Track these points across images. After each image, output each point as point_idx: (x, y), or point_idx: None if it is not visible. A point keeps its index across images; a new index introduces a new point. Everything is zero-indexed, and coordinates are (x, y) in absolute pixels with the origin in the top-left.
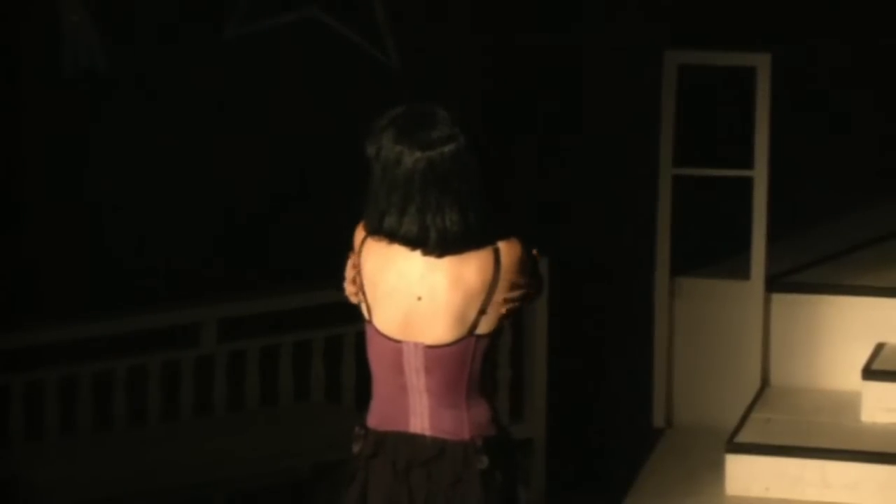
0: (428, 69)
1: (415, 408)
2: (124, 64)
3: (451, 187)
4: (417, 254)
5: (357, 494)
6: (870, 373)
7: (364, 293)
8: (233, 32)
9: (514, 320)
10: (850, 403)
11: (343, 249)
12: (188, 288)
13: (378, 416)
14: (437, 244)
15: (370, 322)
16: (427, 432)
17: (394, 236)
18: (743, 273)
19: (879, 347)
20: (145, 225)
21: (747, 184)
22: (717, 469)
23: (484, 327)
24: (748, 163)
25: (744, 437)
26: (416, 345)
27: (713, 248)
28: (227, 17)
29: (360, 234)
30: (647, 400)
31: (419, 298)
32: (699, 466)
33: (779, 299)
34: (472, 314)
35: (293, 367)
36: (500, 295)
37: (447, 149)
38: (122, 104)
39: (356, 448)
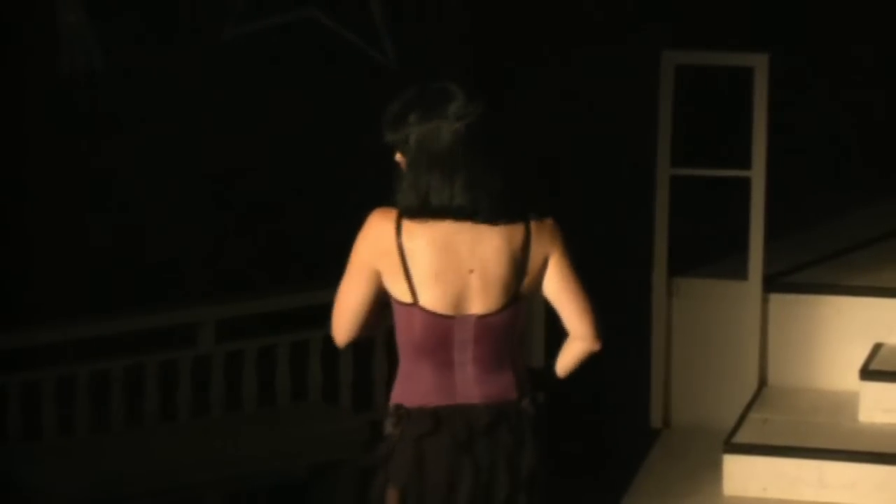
0: (425, 69)
1: (461, 380)
2: (122, 64)
3: (490, 152)
4: (463, 228)
5: (407, 474)
6: (867, 373)
7: (408, 277)
8: (230, 33)
9: None
10: (847, 403)
11: (344, 248)
12: (187, 288)
13: (418, 395)
14: (491, 211)
15: (414, 304)
16: (477, 401)
17: (445, 212)
18: (741, 273)
19: (877, 348)
20: (144, 225)
21: (745, 184)
22: (715, 469)
23: (526, 290)
24: (746, 163)
25: (741, 437)
26: (467, 317)
27: (711, 248)
28: (225, 18)
29: (384, 223)
30: (644, 400)
31: (471, 272)
32: (697, 467)
33: (776, 299)
34: (517, 279)
35: (290, 367)
36: (537, 253)
37: (478, 115)
38: (119, 104)
39: (395, 429)
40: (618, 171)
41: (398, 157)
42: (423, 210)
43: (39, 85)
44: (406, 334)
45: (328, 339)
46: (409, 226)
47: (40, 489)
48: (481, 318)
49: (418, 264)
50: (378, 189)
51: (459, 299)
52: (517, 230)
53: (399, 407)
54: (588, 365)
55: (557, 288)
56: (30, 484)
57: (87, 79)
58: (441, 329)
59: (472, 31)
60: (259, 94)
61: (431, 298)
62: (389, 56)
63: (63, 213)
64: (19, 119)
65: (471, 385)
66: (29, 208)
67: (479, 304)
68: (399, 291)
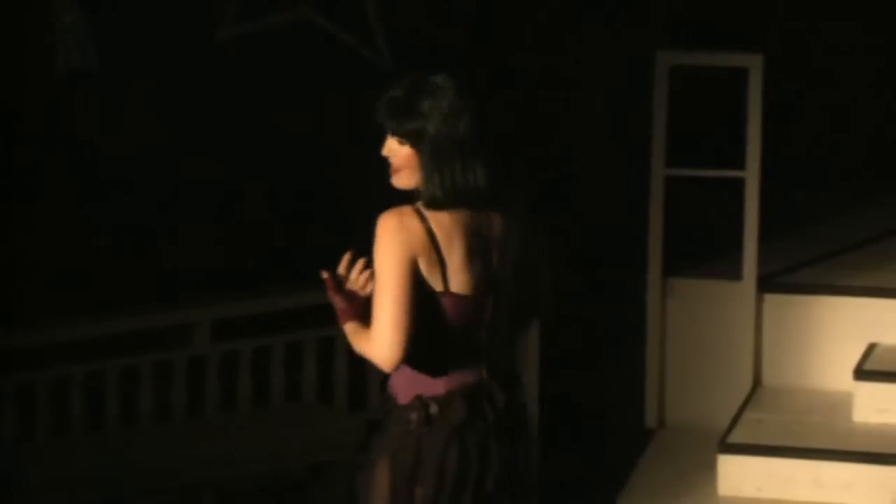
0: (420, 69)
1: (477, 361)
2: (117, 64)
3: (489, 136)
4: (477, 211)
5: (456, 462)
6: (862, 373)
7: (443, 266)
8: (225, 33)
9: None
10: (842, 404)
11: (339, 248)
12: (186, 288)
13: (442, 384)
14: (499, 193)
15: (445, 292)
16: (485, 376)
17: (469, 198)
18: (735, 273)
19: (871, 348)
20: (140, 225)
21: (739, 184)
22: (710, 469)
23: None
24: (740, 163)
25: (736, 437)
26: (490, 297)
27: (705, 248)
28: (219, 18)
29: (407, 219)
30: (639, 400)
31: (491, 252)
32: (691, 467)
33: (771, 300)
34: (513, 259)
35: (285, 367)
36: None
37: (476, 102)
38: (114, 104)
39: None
40: (613, 171)
41: (401, 149)
42: (447, 198)
43: (36, 84)
44: (436, 323)
45: (323, 340)
46: (432, 216)
47: (36, 490)
48: (500, 296)
49: (451, 252)
50: (376, 189)
51: (483, 282)
52: (500, 214)
53: (425, 399)
54: (584, 365)
55: None
56: (25, 485)
57: (83, 78)
58: (471, 312)
59: (468, 29)
60: (252, 95)
61: (463, 282)
62: (384, 56)
63: (59, 213)
64: (17, 118)
65: (483, 363)
66: (25, 209)
67: (500, 283)
68: (433, 282)
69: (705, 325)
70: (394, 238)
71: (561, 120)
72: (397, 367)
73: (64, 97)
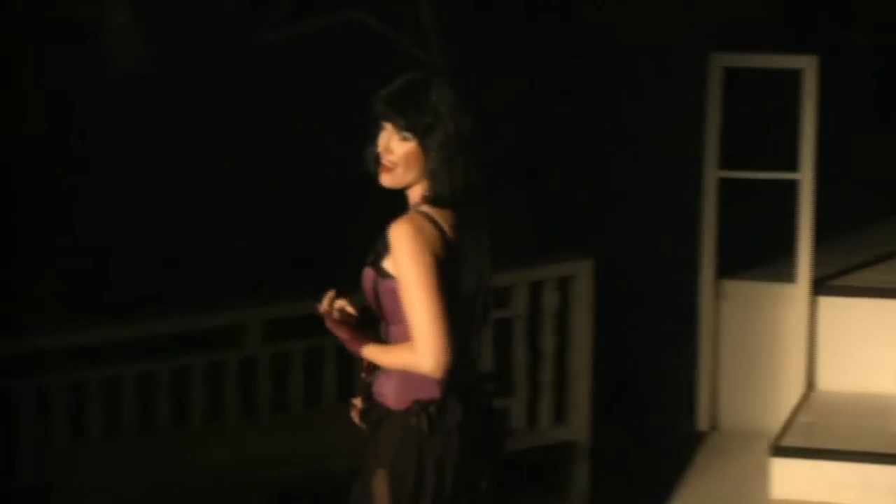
0: (472, 71)
1: (466, 361)
2: (168, 65)
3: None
4: (472, 211)
5: (455, 465)
6: None
7: (457, 266)
8: (278, 34)
9: (557, 323)
10: (894, 407)
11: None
12: (230, 290)
13: (438, 387)
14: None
15: (456, 293)
16: (471, 377)
17: (469, 194)
18: (789, 276)
19: None
20: (183, 226)
21: (793, 187)
22: (762, 472)
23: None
24: (793, 165)
25: (788, 440)
26: (479, 297)
27: (759, 250)
28: (272, 20)
29: (424, 223)
30: (691, 403)
31: (481, 253)
32: (743, 470)
33: (825, 302)
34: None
35: (336, 368)
36: None
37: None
38: (166, 105)
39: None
40: (665, 175)
41: (401, 145)
42: (453, 195)
43: (89, 86)
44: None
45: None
46: (438, 216)
47: (85, 492)
48: (485, 291)
49: (458, 253)
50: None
51: (475, 283)
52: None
53: (428, 402)
54: (636, 368)
55: None
56: (75, 487)
57: (134, 80)
58: (470, 309)
59: (518, 31)
60: (303, 96)
61: (466, 281)
62: (436, 56)
63: (110, 210)
64: (69, 119)
65: (473, 365)
66: (82, 205)
67: (486, 278)
68: (447, 285)
69: (758, 327)
70: (416, 242)
71: (612, 121)
72: (448, 371)
73: (115, 98)
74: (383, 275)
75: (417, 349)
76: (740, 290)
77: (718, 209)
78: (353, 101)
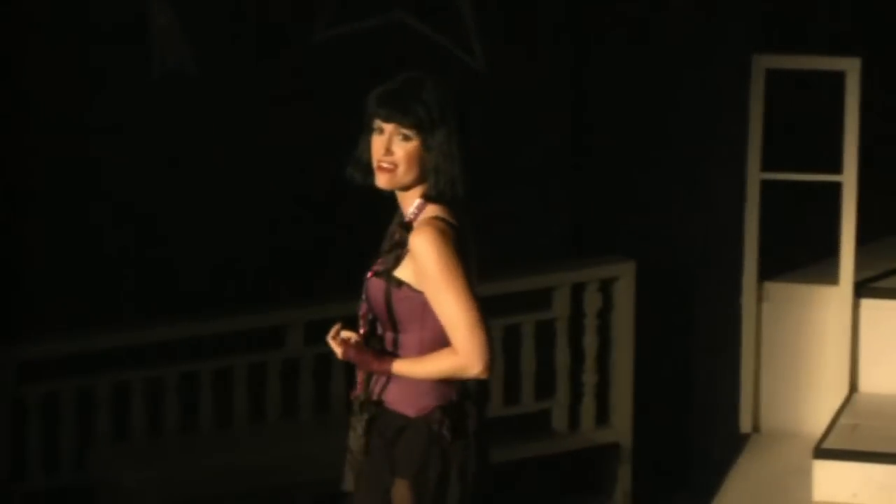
0: (514, 72)
1: None
2: (212, 66)
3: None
4: (467, 209)
5: (475, 469)
6: None
7: (469, 268)
8: (320, 36)
9: (600, 325)
10: None
11: None
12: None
13: (454, 391)
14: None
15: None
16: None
17: (467, 190)
18: (831, 278)
19: None
20: (231, 226)
21: (835, 188)
22: (805, 475)
23: None
24: (836, 167)
25: (831, 442)
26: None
27: (801, 252)
28: (314, 21)
29: (447, 227)
30: (734, 405)
31: (475, 249)
32: (786, 472)
33: (867, 305)
34: None
35: None
36: None
37: None
38: (210, 106)
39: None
40: (707, 176)
41: (403, 145)
42: (455, 192)
43: (133, 87)
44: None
45: None
46: (447, 214)
47: (130, 491)
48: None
49: (470, 248)
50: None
51: (475, 282)
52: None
53: (448, 407)
54: (678, 370)
55: None
56: (119, 486)
57: (178, 82)
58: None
59: (561, 34)
60: (346, 97)
61: (475, 280)
62: (478, 57)
63: (166, 212)
64: (113, 122)
65: None
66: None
67: (476, 275)
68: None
69: (801, 329)
70: (445, 246)
71: (654, 123)
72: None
73: (160, 99)
74: (396, 283)
75: (464, 353)
76: (783, 292)
77: (761, 211)
78: None
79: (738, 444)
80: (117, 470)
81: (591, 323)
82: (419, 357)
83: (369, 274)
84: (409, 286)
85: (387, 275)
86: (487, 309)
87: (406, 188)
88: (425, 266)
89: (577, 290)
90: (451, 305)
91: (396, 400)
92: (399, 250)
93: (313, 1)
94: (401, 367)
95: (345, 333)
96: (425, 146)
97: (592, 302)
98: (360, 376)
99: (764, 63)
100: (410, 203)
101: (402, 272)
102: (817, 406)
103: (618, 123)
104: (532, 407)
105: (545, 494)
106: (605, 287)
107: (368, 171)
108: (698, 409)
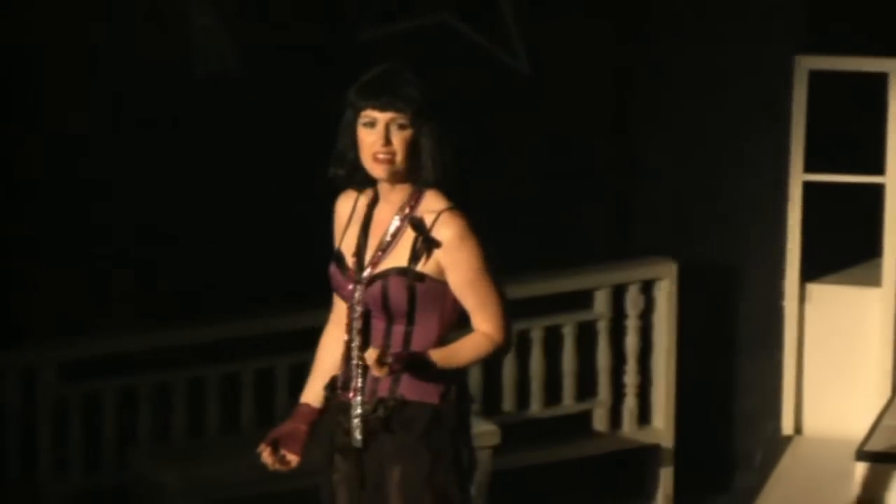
0: (557, 73)
1: None
2: (255, 66)
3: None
4: None
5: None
6: None
7: None
8: (365, 36)
9: (642, 326)
10: None
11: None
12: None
13: (460, 373)
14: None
15: None
16: None
17: (457, 180)
18: (874, 280)
19: None
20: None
21: (878, 190)
22: (847, 477)
23: None
24: (879, 168)
25: (874, 445)
26: None
27: (844, 254)
28: (359, 22)
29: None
30: (776, 407)
31: None
32: (828, 474)
33: None
34: None
35: None
36: None
37: None
38: (254, 106)
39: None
40: (748, 175)
41: (400, 133)
42: (449, 177)
43: (176, 88)
44: (455, 317)
45: None
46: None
47: (171, 491)
48: None
49: None
50: (504, 189)
51: None
52: None
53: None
54: (720, 371)
55: None
56: (161, 485)
57: (221, 82)
58: None
59: (602, 34)
60: None
61: None
62: (521, 59)
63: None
64: (155, 122)
65: None
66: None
67: None
68: None
69: (843, 331)
70: (473, 232)
71: (697, 124)
72: None
73: (203, 99)
74: (418, 278)
75: (500, 334)
76: (825, 294)
77: (803, 212)
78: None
79: (781, 447)
80: (158, 470)
81: (632, 324)
82: (451, 346)
83: (370, 273)
84: (430, 278)
85: (408, 271)
86: (529, 310)
87: (397, 178)
88: (461, 254)
89: (619, 291)
90: (487, 289)
91: (417, 391)
92: (418, 245)
93: (357, 2)
94: (442, 358)
95: (372, 353)
96: (420, 133)
97: (634, 303)
98: (356, 379)
99: (806, 64)
100: (401, 193)
101: (422, 265)
102: (860, 408)
103: (661, 124)
104: (573, 408)
105: (586, 496)
106: (647, 288)
107: (355, 169)
108: (740, 411)
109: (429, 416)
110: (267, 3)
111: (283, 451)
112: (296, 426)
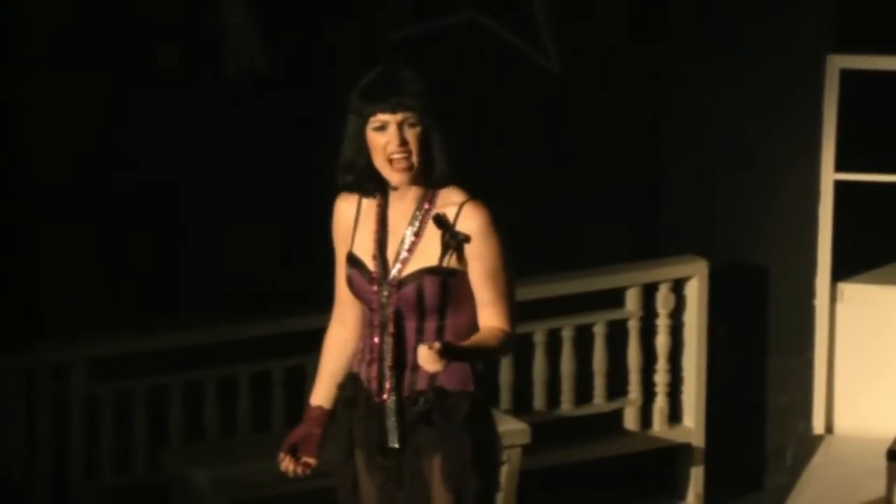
0: (587, 72)
1: None
2: (285, 66)
3: None
4: None
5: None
6: None
7: None
8: (395, 35)
9: (672, 325)
10: None
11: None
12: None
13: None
14: None
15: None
16: None
17: (459, 174)
18: None
19: None
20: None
21: None
22: (878, 477)
23: None
24: None
25: None
26: None
27: (875, 253)
28: (389, 20)
29: None
30: (807, 406)
31: None
32: (860, 474)
33: None
34: None
35: None
36: None
37: None
38: (284, 106)
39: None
40: (780, 174)
41: (410, 131)
42: (454, 171)
43: (207, 88)
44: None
45: None
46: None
47: (203, 489)
48: None
49: None
50: (534, 187)
51: None
52: None
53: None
54: (751, 370)
55: None
56: (193, 484)
57: (252, 81)
58: None
59: (631, 33)
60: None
61: None
62: (552, 59)
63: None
64: (186, 121)
65: None
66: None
67: None
68: None
69: (875, 330)
70: (497, 221)
71: (725, 123)
72: None
73: (234, 98)
74: (451, 274)
75: (511, 326)
76: (857, 293)
77: (835, 211)
78: (472, 103)
79: (812, 446)
80: (190, 468)
81: (663, 322)
82: (478, 336)
83: (399, 274)
84: (460, 272)
85: (440, 269)
86: (560, 308)
87: (412, 178)
88: (486, 246)
89: (650, 290)
90: (505, 284)
91: (455, 381)
92: (447, 240)
93: (387, 1)
94: (475, 348)
95: (426, 349)
96: (429, 130)
97: (665, 301)
98: (389, 380)
99: (838, 63)
100: (415, 190)
101: (450, 261)
102: (891, 407)
103: (692, 123)
104: (604, 407)
105: (616, 495)
106: (678, 286)
107: (367, 175)
108: (771, 410)
109: (469, 403)
110: (296, 3)
111: (301, 457)
112: (310, 430)
